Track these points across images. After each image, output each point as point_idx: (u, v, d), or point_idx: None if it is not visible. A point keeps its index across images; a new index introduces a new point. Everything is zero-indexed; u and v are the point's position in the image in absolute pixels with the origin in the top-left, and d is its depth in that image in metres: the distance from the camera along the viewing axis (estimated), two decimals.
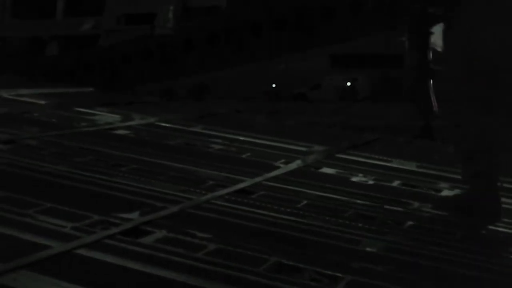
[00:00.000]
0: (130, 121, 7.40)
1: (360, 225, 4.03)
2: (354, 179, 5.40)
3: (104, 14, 17.59)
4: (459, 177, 5.71)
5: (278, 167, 5.53)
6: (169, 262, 3.14)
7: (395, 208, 4.52)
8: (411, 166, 6.14)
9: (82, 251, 3.18)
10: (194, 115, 8.43)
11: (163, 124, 7.35)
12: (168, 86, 26.18)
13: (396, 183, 5.38)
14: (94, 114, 7.89)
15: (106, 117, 7.72)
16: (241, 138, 6.80)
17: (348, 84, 38.27)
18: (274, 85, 30.49)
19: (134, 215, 3.81)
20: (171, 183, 4.66)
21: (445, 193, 5.19)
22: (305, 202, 4.47)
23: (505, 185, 5.56)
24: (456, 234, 4.04)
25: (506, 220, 4.49)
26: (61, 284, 2.79)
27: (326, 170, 5.65)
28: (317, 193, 4.76)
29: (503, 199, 4.92)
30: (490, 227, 4.28)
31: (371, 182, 5.35)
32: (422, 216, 4.39)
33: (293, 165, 5.64)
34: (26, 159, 5.04)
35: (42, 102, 8.61)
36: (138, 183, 4.59)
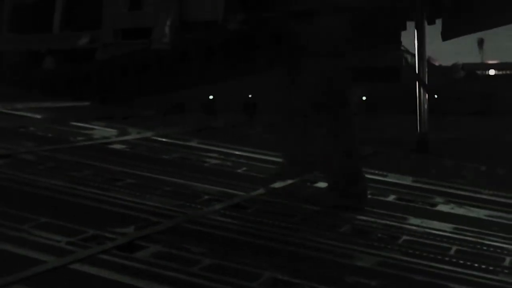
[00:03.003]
0: (126, 135, 7.41)
1: (355, 239, 4.04)
2: None
3: (101, 28, 17.68)
4: (455, 191, 5.75)
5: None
6: (164, 277, 3.14)
7: (390, 223, 4.53)
8: (407, 180, 6.15)
9: (77, 266, 3.18)
10: (191, 129, 8.44)
11: (159, 139, 7.36)
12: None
13: (391, 198, 5.39)
14: (90, 128, 7.89)
15: (102, 131, 7.73)
16: (237, 152, 6.81)
17: None
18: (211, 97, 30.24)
19: (129, 229, 3.82)
20: (167, 198, 4.67)
21: (440, 207, 5.20)
22: (300, 216, 4.48)
23: (503, 200, 5.60)
24: (450, 249, 4.04)
25: (503, 235, 4.50)
26: None
27: (322, 184, 5.65)
28: (313, 207, 4.76)
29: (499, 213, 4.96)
30: (487, 242, 4.29)
31: None
32: (417, 230, 4.40)
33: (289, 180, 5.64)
34: (22, 174, 5.04)
35: (38, 116, 8.62)
36: (134, 197, 4.60)
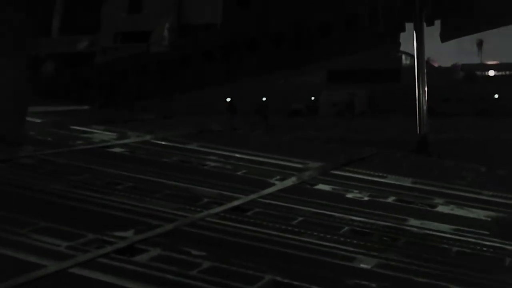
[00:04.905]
0: (126, 138, 7.41)
1: (355, 241, 4.03)
2: (349, 195, 5.40)
3: (101, 32, 17.72)
4: (455, 192, 5.74)
5: (273, 184, 5.54)
6: (164, 280, 3.14)
7: (390, 225, 4.52)
8: (407, 182, 6.14)
9: (77, 270, 3.18)
10: (191, 132, 8.44)
11: (159, 142, 7.36)
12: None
13: (391, 199, 5.38)
14: (90, 132, 7.89)
15: (102, 135, 7.73)
16: (237, 155, 6.80)
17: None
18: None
19: (129, 233, 3.81)
20: (166, 201, 4.66)
21: (440, 208, 5.20)
22: (300, 219, 4.47)
23: (503, 200, 5.59)
24: (451, 251, 4.04)
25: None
26: None
27: (322, 186, 5.65)
28: (312, 210, 4.76)
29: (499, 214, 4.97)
30: (485, 242, 4.29)
31: (366, 198, 5.35)
32: (417, 232, 4.40)
33: (289, 182, 5.65)
34: (22, 178, 5.04)
35: (38, 120, 8.62)
36: (133, 201, 4.59)
